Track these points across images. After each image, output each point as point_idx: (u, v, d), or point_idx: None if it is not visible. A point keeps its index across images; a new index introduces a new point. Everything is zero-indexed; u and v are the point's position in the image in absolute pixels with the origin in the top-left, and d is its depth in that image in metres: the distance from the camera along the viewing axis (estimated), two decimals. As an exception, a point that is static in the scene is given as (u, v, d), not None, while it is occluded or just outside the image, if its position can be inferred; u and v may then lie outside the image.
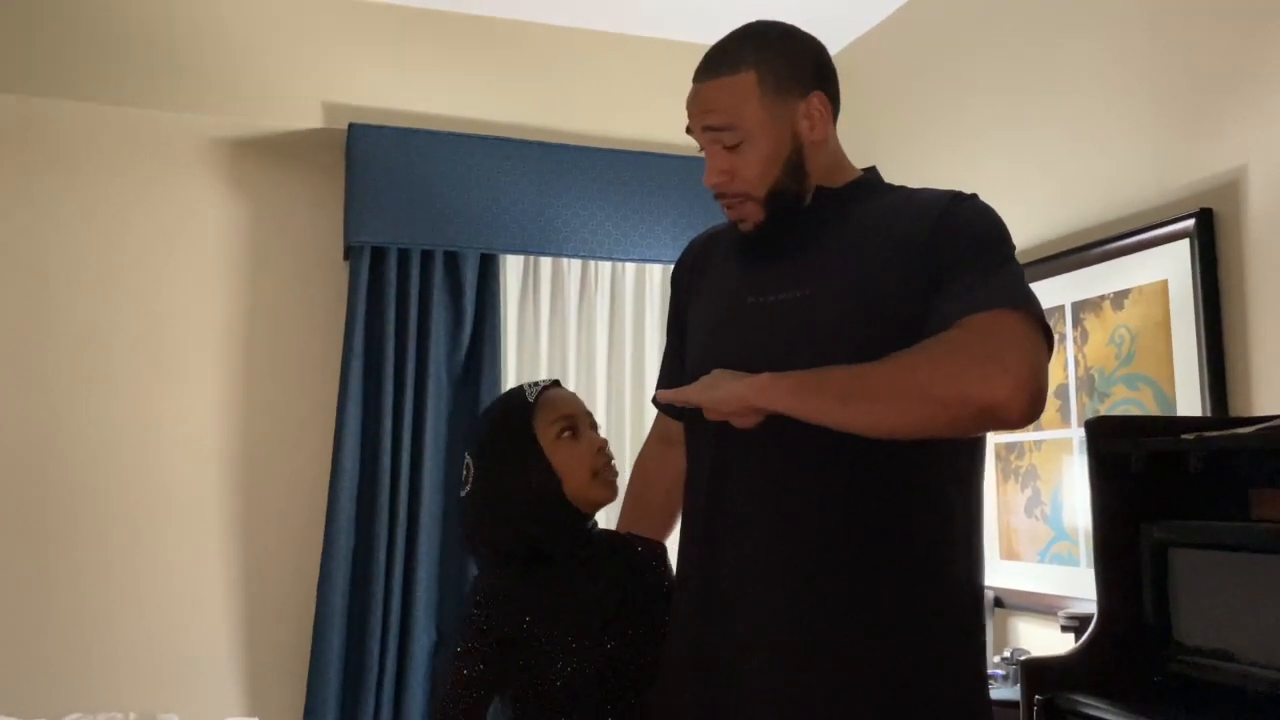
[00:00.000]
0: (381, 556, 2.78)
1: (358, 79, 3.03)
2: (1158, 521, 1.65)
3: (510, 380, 3.08)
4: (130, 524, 2.76)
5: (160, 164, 2.88)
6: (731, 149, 1.27)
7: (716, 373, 1.20)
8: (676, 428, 1.44)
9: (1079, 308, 2.36)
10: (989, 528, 2.59)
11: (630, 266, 3.22)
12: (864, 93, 3.24)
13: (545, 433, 1.46)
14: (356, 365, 2.86)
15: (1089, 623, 1.72)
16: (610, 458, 1.50)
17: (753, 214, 1.29)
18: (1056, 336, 2.40)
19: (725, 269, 1.37)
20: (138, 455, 2.79)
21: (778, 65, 1.26)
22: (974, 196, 1.29)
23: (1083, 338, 2.35)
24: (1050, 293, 2.43)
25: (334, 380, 2.88)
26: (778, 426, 1.15)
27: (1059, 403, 2.40)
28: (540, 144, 3.05)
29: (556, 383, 1.56)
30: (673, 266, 1.48)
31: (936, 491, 1.18)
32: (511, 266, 3.11)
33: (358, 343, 2.86)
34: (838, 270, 1.24)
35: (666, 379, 1.50)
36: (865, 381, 1.09)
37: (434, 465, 2.88)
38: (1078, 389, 2.35)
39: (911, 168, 2.95)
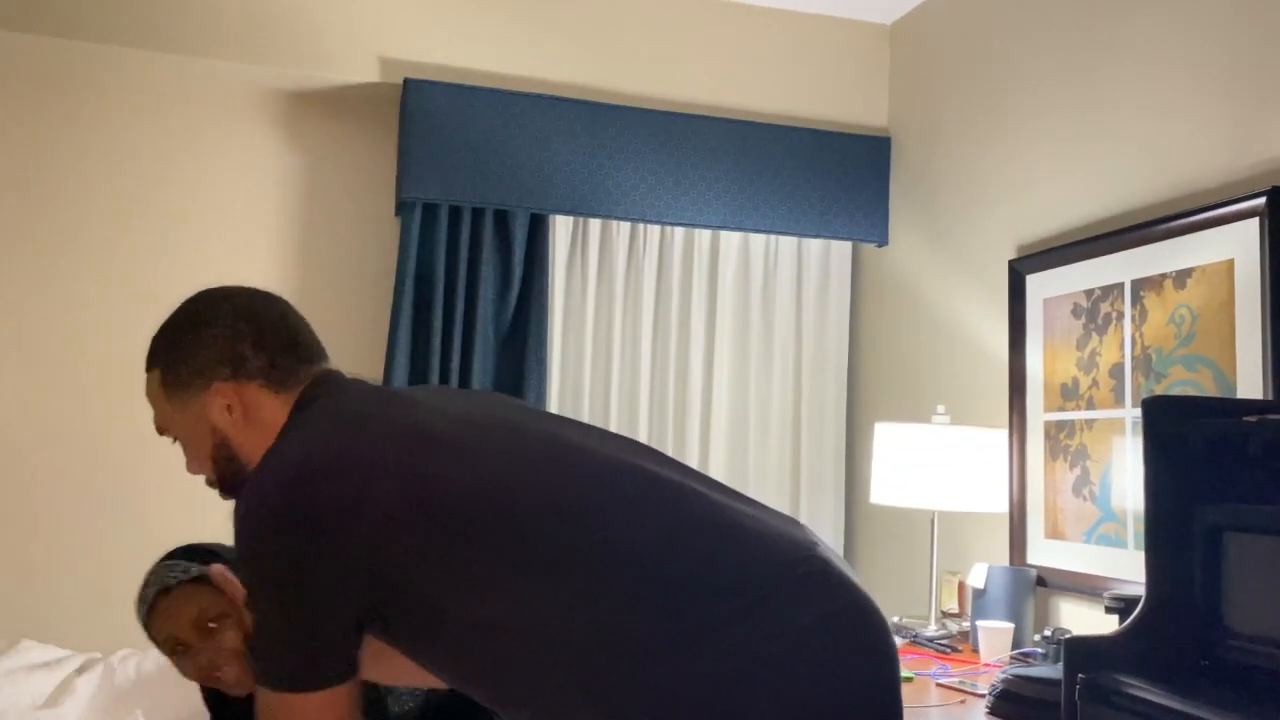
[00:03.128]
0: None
1: (415, 34, 3.03)
2: (1212, 504, 1.62)
3: (556, 342, 3.09)
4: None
5: (216, 113, 2.91)
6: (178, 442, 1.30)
7: None
8: None
9: (1139, 286, 2.31)
10: (1035, 505, 2.56)
11: (679, 231, 3.20)
12: (927, 60, 3.18)
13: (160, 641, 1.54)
14: (405, 321, 2.88)
15: (1134, 604, 1.69)
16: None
17: None
18: (1114, 315, 2.36)
19: None
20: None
21: (177, 360, 1.25)
22: (248, 497, 1.12)
23: (1141, 317, 2.30)
24: (1110, 270, 2.38)
25: (383, 335, 2.91)
26: None
27: (1113, 382, 2.35)
28: (593, 104, 3.04)
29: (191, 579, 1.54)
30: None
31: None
32: (560, 227, 3.11)
33: (407, 299, 2.88)
34: None
35: None
36: None
37: (478, 422, 2.90)
38: (1133, 369, 2.30)
39: (975, 138, 2.89)
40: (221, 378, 1.23)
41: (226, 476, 1.26)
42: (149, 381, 1.29)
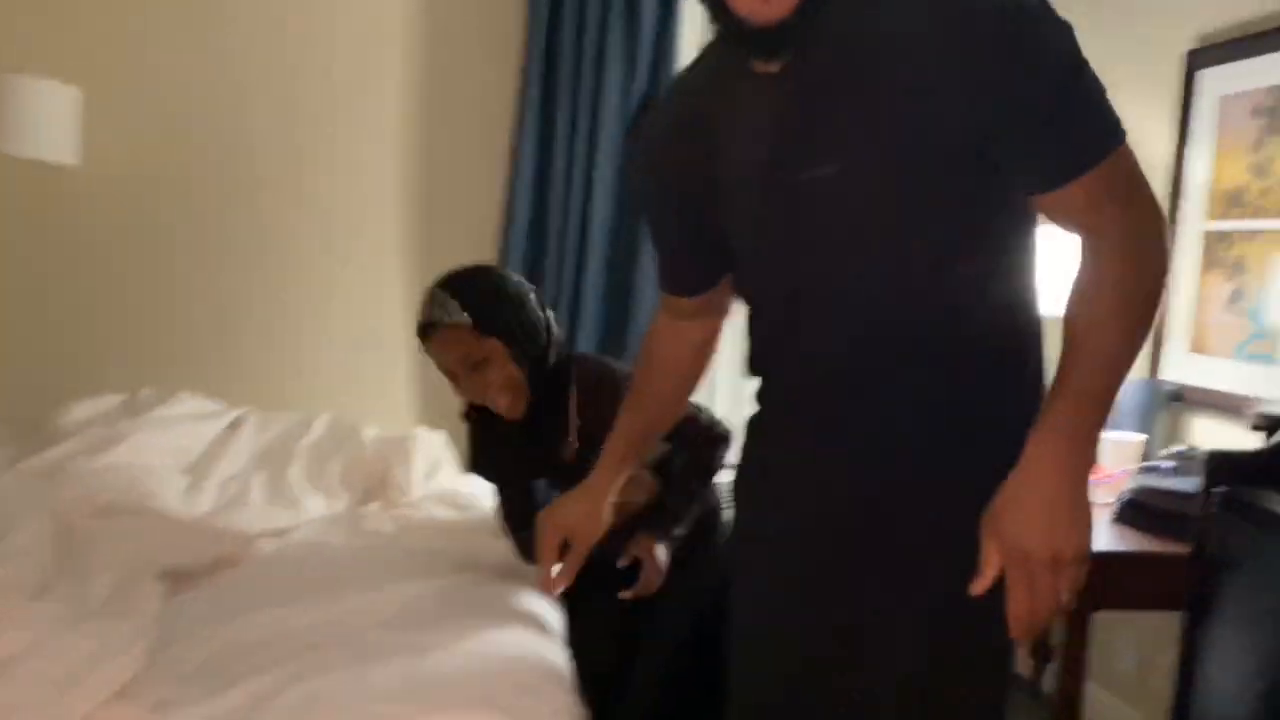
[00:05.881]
0: (553, 258, 2.87)
1: None
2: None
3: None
4: (318, 232, 2.88)
5: None
6: None
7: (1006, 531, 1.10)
8: (687, 304, 1.44)
9: (1335, 82, 2.07)
10: (1180, 318, 2.43)
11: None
12: None
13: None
14: (535, 96, 2.83)
15: (1285, 422, 1.61)
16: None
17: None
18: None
19: (747, 120, 1.21)
20: (321, 160, 2.85)
21: None
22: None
23: (1331, 118, 2.08)
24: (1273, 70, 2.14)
25: (512, 78, 2.88)
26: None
27: (1289, 190, 2.16)
28: None
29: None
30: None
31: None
32: (690, 4, 2.93)
33: (535, 70, 2.82)
34: (863, 127, 1.13)
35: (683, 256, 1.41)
36: (1118, 353, 1.12)
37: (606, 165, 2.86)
38: (1314, 176, 2.11)
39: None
40: None
41: None
42: None
